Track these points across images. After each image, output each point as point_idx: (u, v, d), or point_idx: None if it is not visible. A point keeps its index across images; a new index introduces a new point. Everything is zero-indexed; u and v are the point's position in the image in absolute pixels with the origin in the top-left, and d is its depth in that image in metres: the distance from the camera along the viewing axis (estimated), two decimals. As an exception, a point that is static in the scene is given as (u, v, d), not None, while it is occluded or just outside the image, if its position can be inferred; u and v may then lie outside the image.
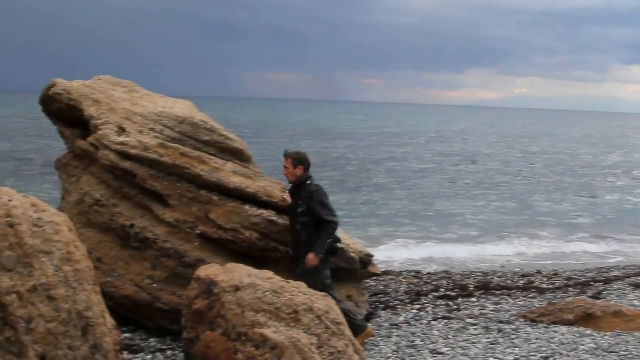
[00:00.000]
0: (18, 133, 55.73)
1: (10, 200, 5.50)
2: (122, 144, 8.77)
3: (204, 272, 6.29)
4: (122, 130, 9.02)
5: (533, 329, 9.48)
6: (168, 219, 8.63)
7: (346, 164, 41.68)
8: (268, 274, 6.22)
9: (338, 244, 8.42)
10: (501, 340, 8.92)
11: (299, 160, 8.33)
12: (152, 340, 8.63)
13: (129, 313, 8.79)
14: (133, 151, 8.70)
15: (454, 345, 8.65)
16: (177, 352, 8.10)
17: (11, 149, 42.29)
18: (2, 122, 70.16)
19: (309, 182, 8.24)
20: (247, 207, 8.68)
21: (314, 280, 7.69)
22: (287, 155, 8.46)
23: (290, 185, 8.56)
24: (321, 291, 6.67)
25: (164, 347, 8.38)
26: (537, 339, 8.98)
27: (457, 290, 12.14)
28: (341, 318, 6.10)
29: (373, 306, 10.47)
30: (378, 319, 9.86)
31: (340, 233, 9.60)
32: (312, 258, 8.02)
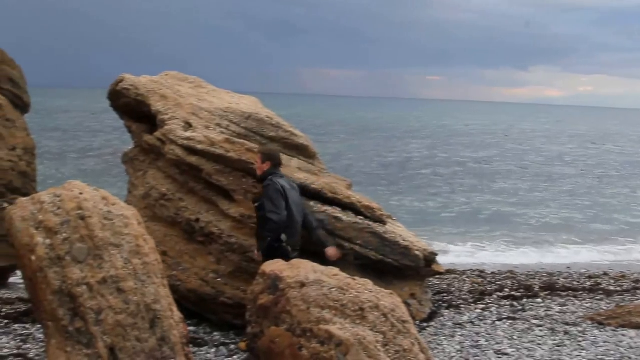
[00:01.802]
0: (79, 127, 56.84)
1: (81, 193, 5.60)
2: (188, 139, 8.85)
3: (269, 267, 6.30)
4: (188, 126, 9.10)
5: (600, 331, 9.28)
6: (233, 213, 8.67)
7: (414, 163, 41.57)
8: (334, 270, 6.20)
9: (283, 244, 7.88)
10: (567, 342, 8.75)
11: (267, 156, 8.26)
12: (215, 334, 8.72)
13: (194, 306, 8.88)
14: (199, 146, 8.76)
15: (519, 346, 8.52)
16: (240, 346, 8.17)
17: (73, 144, 43.16)
18: (58, 117, 71.44)
19: (270, 177, 8.08)
20: (311, 203, 8.68)
21: None
22: (258, 151, 8.50)
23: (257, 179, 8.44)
24: None
25: (227, 341, 8.46)
26: (604, 342, 8.79)
27: (522, 290, 11.94)
28: (407, 316, 6.04)
29: (436, 305, 10.37)
30: (441, 318, 9.75)
31: (404, 231, 9.53)
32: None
